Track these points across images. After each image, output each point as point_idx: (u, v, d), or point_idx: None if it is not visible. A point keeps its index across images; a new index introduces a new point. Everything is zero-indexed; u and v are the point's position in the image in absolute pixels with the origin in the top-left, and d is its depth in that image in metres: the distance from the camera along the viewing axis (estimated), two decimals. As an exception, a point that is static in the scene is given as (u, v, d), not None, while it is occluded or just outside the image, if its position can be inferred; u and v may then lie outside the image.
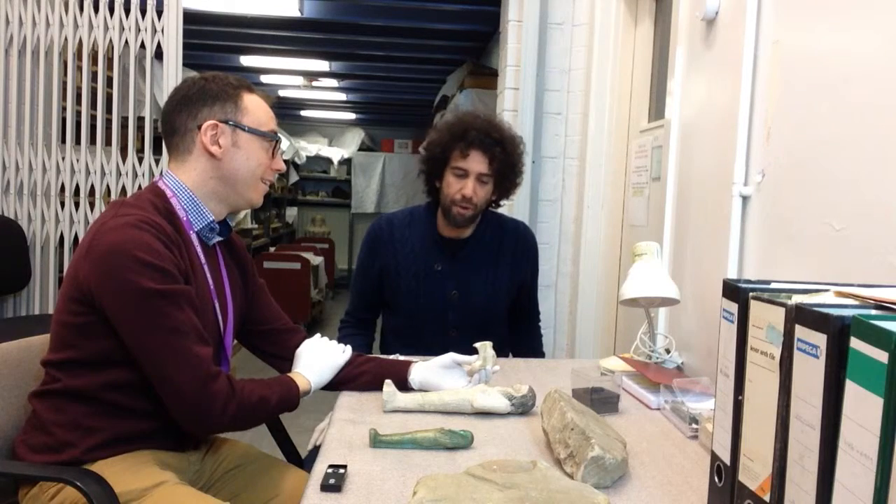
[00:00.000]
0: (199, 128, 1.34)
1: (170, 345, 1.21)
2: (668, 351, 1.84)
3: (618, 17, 2.71)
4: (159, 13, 3.25)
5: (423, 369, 1.53)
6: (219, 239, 1.44)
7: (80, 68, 3.32)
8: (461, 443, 1.19)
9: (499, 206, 2.10)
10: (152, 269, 1.20)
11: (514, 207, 2.88)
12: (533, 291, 2.20)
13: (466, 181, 1.92)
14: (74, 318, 1.25)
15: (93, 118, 3.36)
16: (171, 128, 1.37)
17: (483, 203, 1.98)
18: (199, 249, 1.36)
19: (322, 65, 6.62)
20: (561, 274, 3.07)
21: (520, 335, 2.19)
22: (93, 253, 1.22)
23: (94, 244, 1.23)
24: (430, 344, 1.88)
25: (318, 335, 1.56)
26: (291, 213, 9.90)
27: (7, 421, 1.35)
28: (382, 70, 6.87)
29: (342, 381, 1.52)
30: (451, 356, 1.55)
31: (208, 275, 1.37)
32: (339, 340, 1.66)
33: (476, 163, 1.91)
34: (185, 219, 1.35)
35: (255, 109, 1.38)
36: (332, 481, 1.01)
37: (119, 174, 3.35)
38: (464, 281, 2.02)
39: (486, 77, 4.52)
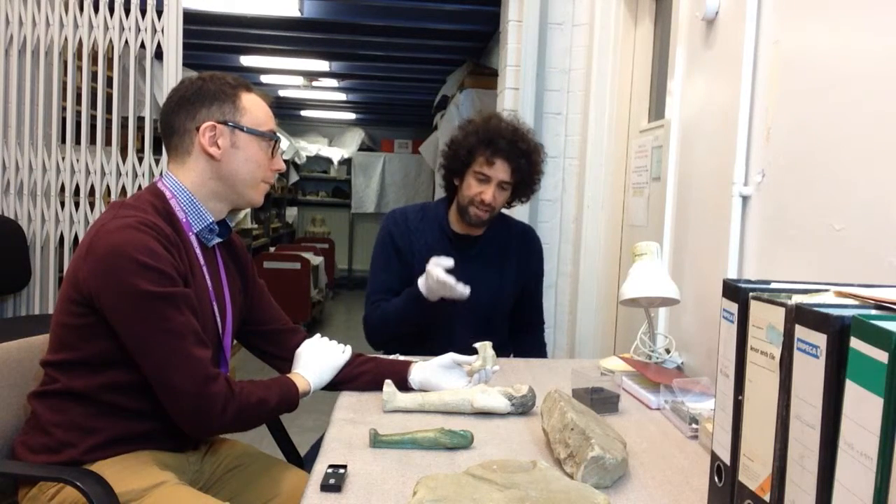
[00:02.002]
0: (198, 129, 1.33)
1: (168, 347, 1.20)
2: (668, 351, 1.84)
3: (618, 17, 2.71)
4: (159, 13, 3.25)
5: (422, 369, 1.53)
6: (218, 240, 1.44)
7: (80, 68, 3.31)
8: (461, 443, 1.19)
9: (510, 207, 2.13)
10: (151, 272, 1.20)
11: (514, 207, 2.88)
12: (537, 298, 2.21)
13: (487, 187, 1.94)
14: (74, 319, 1.25)
15: (93, 118, 3.36)
16: (170, 129, 1.36)
17: (500, 207, 2.02)
18: (198, 251, 1.36)
19: (322, 65, 6.62)
20: (561, 274, 3.07)
21: (523, 345, 2.18)
22: (92, 254, 1.22)
23: (94, 246, 1.22)
24: (432, 339, 1.88)
25: (318, 335, 1.56)
26: (291, 213, 9.90)
27: (7, 421, 1.35)
28: (382, 70, 6.87)
29: (342, 381, 1.52)
30: (451, 356, 1.54)
31: (207, 276, 1.37)
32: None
33: (500, 171, 1.94)
34: (184, 220, 1.35)
35: (254, 109, 1.38)
36: (332, 481, 1.01)
37: (119, 174, 3.34)
38: (472, 277, 2.02)
39: (486, 77, 4.52)
